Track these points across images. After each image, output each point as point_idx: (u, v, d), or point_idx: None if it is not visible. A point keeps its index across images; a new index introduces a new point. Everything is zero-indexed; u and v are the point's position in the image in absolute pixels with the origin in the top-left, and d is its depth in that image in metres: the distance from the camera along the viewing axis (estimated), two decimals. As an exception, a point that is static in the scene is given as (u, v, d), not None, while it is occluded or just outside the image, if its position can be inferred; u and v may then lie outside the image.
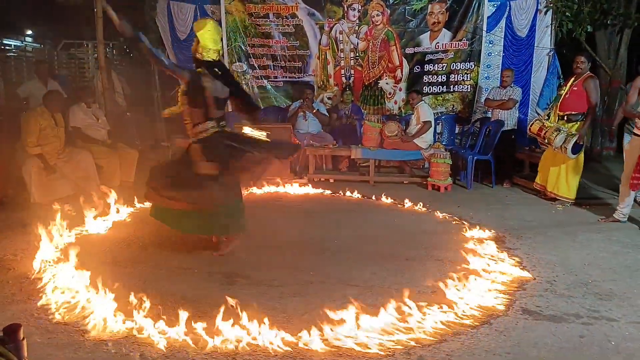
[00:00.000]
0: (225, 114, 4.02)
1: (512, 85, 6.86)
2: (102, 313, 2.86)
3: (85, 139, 6.09)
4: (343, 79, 8.16)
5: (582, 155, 5.57)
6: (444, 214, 5.31)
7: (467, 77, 7.81)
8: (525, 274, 3.60)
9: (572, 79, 5.66)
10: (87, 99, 6.29)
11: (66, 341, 2.64)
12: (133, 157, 6.33)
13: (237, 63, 8.19)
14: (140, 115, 8.13)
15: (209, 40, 3.74)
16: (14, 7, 8.04)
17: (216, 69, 3.81)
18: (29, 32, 10.74)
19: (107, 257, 3.96)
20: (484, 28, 7.57)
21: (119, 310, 2.88)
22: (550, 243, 4.36)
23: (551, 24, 7.46)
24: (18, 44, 9.74)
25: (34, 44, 10.45)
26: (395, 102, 8.09)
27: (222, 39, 3.75)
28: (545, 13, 7.41)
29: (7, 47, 9.10)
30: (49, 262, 3.67)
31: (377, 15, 7.84)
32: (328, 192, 6.43)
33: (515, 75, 7.01)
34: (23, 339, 1.02)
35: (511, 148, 6.94)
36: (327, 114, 7.78)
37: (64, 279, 3.35)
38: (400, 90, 8.03)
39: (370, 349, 2.54)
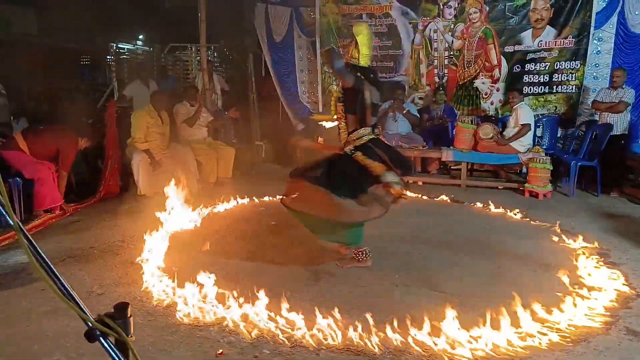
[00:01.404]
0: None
1: (624, 86, 6.31)
2: (196, 301, 3.04)
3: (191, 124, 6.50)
4: (436, 78, 7.97)
5: None
6: (541, 222, 5.01)
7: (572, 77, 7.31)
8: (631, 292, 3.31)
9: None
10: (190, 98, 6.68)
11: (164, 324, 2.84)
12: (230, 154, 6.64)
13: (330, 64, 8.29)
14: (237, 115, 8.51)
15: (365, 44, 3.64)
16: (128, 14, 8.75)
17: (372, 75, 3.69)
18: (140, 36, 11.58)
19: (202, 248, 4.19)
20: (592, 24, 7.03)
21: (212, 299, 3.05)
22: (663, 259, 3.97)
23: (673, 18, 6.77)
24: (130, 47, 10.55)
25: (144, 47, 11.27)
26: (492, 103, 7.76)
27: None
28: (668, 6, 6.74)
29: (121, 51, 9.90)
30: (153, 250, 3.96)
31: (475, 12, 7.57)
32: (417, 195, 6.31)
33: (627, 75, 6.44)
34: (130, 316, 1.11)
35: (621, 154, 6.38)
36: (417, 114, 7.64)
37: (165, 267, 3.59)
38: (497, 90, 7.69)
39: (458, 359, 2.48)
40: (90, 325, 1.04)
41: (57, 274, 1.03)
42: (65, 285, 1.04)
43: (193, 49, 9.76)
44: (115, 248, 4.15)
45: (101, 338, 1.04)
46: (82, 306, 1.04)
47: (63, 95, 8.38)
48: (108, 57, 9.55)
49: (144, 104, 6.19)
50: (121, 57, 9.76)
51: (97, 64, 11.14)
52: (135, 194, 5.74)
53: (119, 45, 9.57)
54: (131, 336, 1.10)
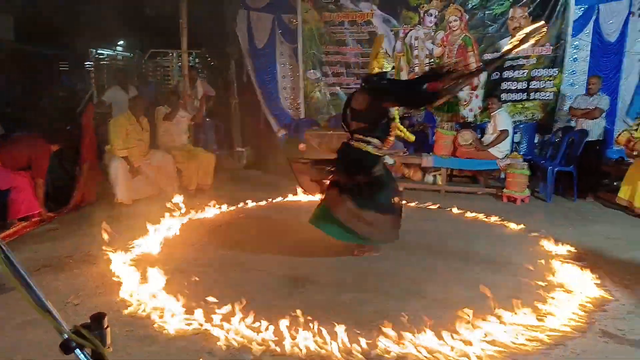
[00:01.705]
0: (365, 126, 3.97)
1: (599, 93, 6.45)
2: (176, 310, 3.01)
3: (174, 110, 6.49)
4: (417, 85, 8.03)
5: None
6: (519, 227, 5.09)
7: (549, 84, 7.45)
8: (607, 295, 3.37)
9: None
10: (171, 104, 6.62)
11: (142, 334, 2.80)
12: (210, 161, 6.59)
13: (311, 70, 8.32)
14: (218, 121, 8.48)
15: (370, 57, 4.07)
16: (108, 19, 8.68)
17: (363, 83, 4.11)
18: (120, 41, 11.49)
19: (182, 256, 4.15)
20: (569, 33, 7.19)
21: (192, 308, 3.02)
22: (637, 263, 4.05)
23: (645, 28, 6.96)
24: (110, 53, 10.45)
25: (125, 53, 11.17)
26: (471, 110, 7.86)
27: (382, 52, 4.00)
28: (640, 16, 6.92)
29: (101, 56, 9.79)
30: (129, 259, 3.91)
31: (455, 20, 7.67)
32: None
33: (602, 82, 6.59)
34: (107, 327, 1.10)
35: (596, 160, 6.52)
36: (399, 121, 7.69)
37: (142, 277, 3.55)
38: (476, 97, 7.80)
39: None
40: (66, 336, 1.03)
41: (32, 283, 1.02)
42: (40, 295, 1.02)
43: (174, 55, 9.71)
44: (92, 257, 4.06)
45: (77, 349, 1.03)
46: (57, 317, 1.03)
47: (41, 102, 8.25)
48: (87, 62, 9.45)
49: (123, 110, 6.13)
50: (101, 62, 9.67)
51: (76, 69, 11.02)
52: (113, 202, 5.66)
53: (98, 51, 9.47)
54: (108, 347, 1.09)
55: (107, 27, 8.64)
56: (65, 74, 11.34)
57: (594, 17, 7.14)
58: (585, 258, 4.15)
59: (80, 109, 8.14)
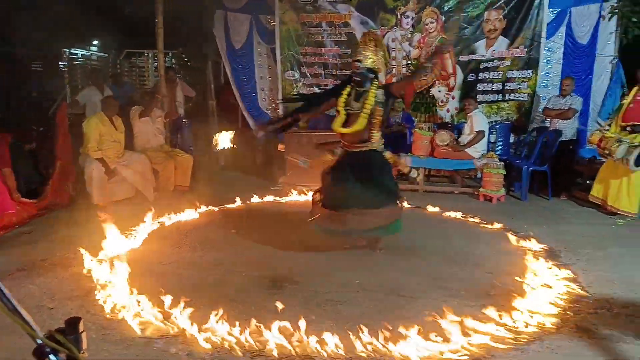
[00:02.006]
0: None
1: (572, 94, 6.59)
2: (153, 312, 2.97)
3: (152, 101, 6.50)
4: (394, 87, 8.09)
5: (645, 167, 5.28)
6: (495, 225, 5.16)
7: (524, 85, 7.57)
8: (581, 291, 3.44)
9: (637, 88, 5.40)
10: (146, 105, 6.53)
11: (119, 338, 2.76)
12: (188, 162, 6.52)
13: (289, 72, 8.31)
14: (195, 122, 8.39)
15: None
16: (82, 19, 8.51)
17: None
18: (95, 41, 11.30)
19: (160, 258, 4.10)
20: (543, 35, 7.32)
21: (169, 310, 2.99)
22: (610, 259, 4.15)
23: (615, 31, 7.12)
24: (85, 53, 10.26)
25: (99, 53, 10.99)
26: (448, 110, 7.95)
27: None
28: (610, 19, 7.09)
29: (75, 56, 9.61)
30: (105, 262, 3.84)
31: (431, 22, 7.75)
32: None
33: (575, 83, 6.73)
34: (82, 331, 1.07)
35: (570, 159, 6.67)
36: (377, 122, 7.74)
37: (118, 279, 3.49)
38: (453, 98, 7.89)
39: (415, 360, 2.51)
40: (40, 342, 1.00)
41: (2, 287, 0.99)
42: (11, 299, 0.99)
43: (150, 55, 9.59)
44: (66, 260, 3.99)
45: (51, 355, 1.00)
46: (30, 322, 1.00)
47: (12, 103, 8.04)
48: (61, 63, 9.26)
49: (98, 111, 6.02)
50: (74, 62, 9.49)
51: (49, 70, 10.79)
52: (88, 204, 5.56)
53: (72, 51, 9.29)
54: (83, 352, 1.06)
55: (82, 27, 8.49)
56: (38, 75, 11.10)
57: (566, 20, 7.29)
58: (559, 255, 4.23)
59: (53, 110, 7.97)
